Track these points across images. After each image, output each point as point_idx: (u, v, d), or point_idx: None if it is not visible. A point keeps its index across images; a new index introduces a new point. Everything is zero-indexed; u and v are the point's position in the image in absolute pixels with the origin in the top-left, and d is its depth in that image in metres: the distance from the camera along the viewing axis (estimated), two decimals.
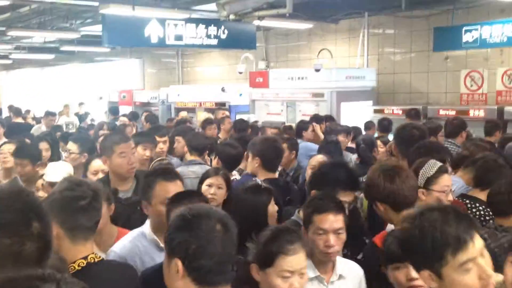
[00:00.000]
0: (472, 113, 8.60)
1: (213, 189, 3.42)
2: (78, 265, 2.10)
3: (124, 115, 10.49)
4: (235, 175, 4.31)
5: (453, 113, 8.54)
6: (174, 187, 2.82)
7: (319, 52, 10.91)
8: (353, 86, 10.15)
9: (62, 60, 19.87)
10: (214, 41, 9.92)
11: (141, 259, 2.71)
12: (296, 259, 2.11)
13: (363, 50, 11.23)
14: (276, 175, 4.14)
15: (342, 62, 11.42)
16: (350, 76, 10.15)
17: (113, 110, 12.75)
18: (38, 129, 9.76)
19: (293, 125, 9.19)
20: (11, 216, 1.50)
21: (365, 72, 10.62)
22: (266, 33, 13.21)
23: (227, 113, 9.45)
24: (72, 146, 4.73)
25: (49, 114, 10.43)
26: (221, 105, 11.72)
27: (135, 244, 2.75)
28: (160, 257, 2.37)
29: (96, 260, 2.17)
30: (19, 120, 11.42)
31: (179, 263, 1.70)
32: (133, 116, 10.43)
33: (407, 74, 10.79)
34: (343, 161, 4.31)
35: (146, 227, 2.83)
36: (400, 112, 9.14)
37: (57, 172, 3.91)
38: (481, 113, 8.51)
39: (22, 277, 1.02)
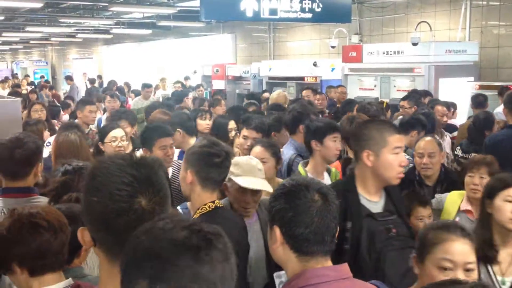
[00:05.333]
0: None
1: None
2: (209, 207, 2.55)
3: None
4: None
5: None
6: None
7: (417, 25, 10.49)
8: (453, 61, 9.66)
9: (158, 35, 20.60)
10: (309, 15, 9.81)
11: None
12: None
13: (464, 23, 10.63)
14: None
15: (441, 36, 10.90)
16: (450, 50, 9.66)
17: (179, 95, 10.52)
18: (138, 101, 10.14)
19: (387, 100, 9.00)
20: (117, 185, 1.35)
21: (467, 46, 10.06)
22: (360, 6, 12.88)
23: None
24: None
25: (145, 86, 10.66)
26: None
27: None
28: None
29: (220, 205, 2.63)
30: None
31: (277, 230, 1.76)
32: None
33: None
34: None
35: None
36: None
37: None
38: None
39: None
